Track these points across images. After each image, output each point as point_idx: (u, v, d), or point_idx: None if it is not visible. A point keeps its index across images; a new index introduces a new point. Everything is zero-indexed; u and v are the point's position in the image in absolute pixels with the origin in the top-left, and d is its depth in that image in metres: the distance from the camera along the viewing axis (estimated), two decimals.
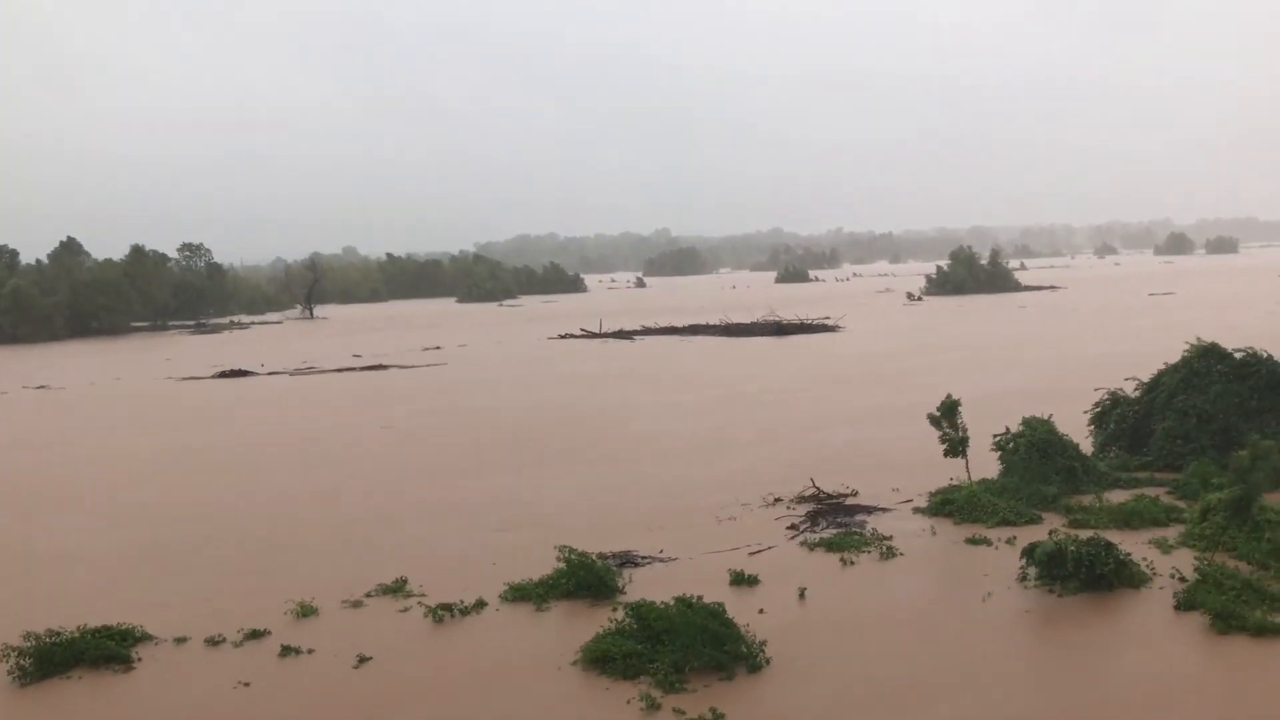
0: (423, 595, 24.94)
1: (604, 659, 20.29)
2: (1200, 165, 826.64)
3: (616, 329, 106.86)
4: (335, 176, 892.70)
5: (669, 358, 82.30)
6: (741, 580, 24.93)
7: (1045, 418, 33.20)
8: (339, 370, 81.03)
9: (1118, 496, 30.52)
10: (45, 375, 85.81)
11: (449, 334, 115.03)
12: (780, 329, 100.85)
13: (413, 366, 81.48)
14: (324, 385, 72.90)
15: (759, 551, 27.47)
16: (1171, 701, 18.15)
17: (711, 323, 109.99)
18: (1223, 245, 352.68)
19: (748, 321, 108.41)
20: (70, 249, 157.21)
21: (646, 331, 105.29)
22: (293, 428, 53.37)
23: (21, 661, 21.08)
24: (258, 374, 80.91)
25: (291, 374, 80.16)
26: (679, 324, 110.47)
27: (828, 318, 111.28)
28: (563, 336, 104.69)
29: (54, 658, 21.32)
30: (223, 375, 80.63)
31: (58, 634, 21.75)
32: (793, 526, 29.87)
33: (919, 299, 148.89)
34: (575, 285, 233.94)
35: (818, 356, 77.81)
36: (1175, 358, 36.66)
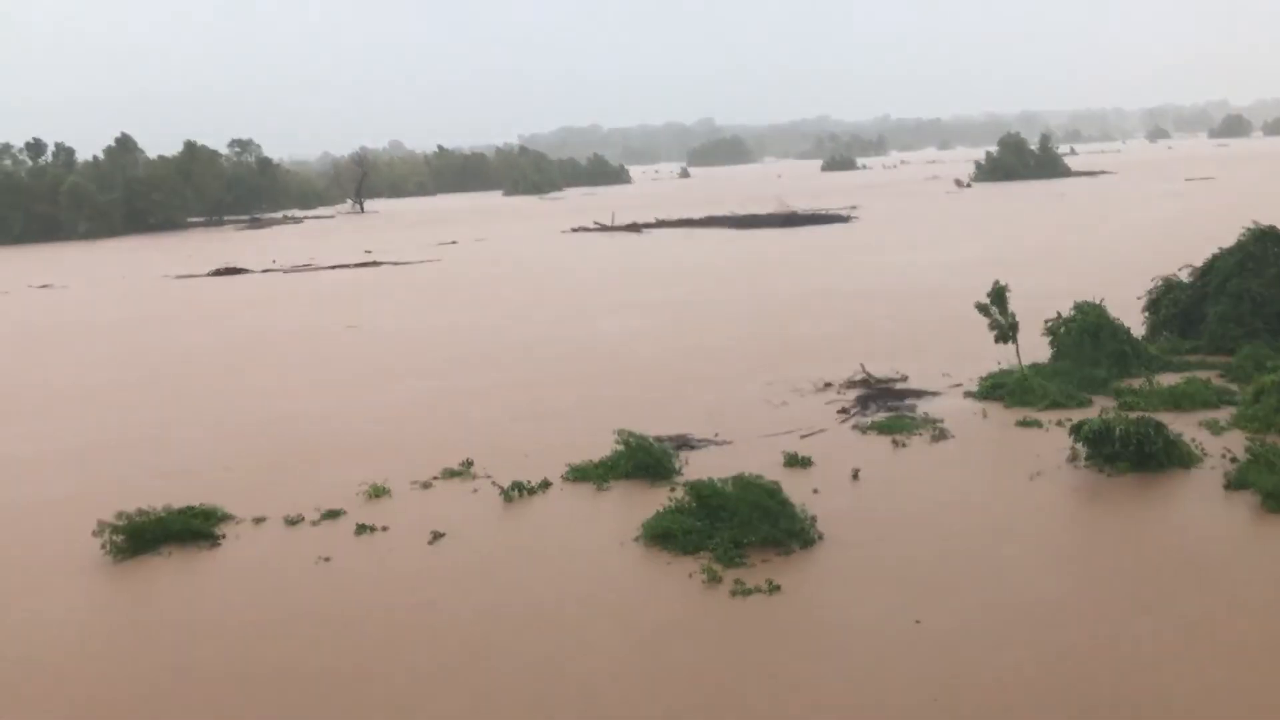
0: (488, 476, 25.93)
1: (664, 535, 21.15)
2: (1257, 42, 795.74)
3: (629, 222, 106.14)
4: (374, 68, 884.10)
5: (663, 252, 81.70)
6: (795, 462, 25.65)
7: (1097, 302, 33.31)
8: (333, 267, 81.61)
9: (1169, 380, 30.71)
10: (69, 272, 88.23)
11: (477, 228, 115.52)
12: (789, 220, 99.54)
13: (408, 263, 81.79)
14: (312, 282, 74.01)
15: (810, 435, 28.14)
16: (1221, 576, 18.65)
17: (721, 214, 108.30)
18: None
19: (762, 214, 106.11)
20: (125, 146, 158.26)
21: (660, 224, 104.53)
22: (273, 324, 54.98)
23: (115, 538, 22.34)
24: (252, 271, 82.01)
25: (286, 271, 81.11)
26: (696, 216, 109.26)
27: (853, 207, 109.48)
28: (575, 230, 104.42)
29: (145, 534, 22.53)
30: (217, 273, 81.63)
31: (146, 513, 22.98)
32: (843, 410, 30.48)
33: (968, 185, 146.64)
34: (620, 177, 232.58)
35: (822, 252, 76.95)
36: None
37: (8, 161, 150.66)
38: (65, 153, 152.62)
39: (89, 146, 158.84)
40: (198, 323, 57.09)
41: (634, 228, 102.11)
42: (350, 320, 53.86)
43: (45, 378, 43.46)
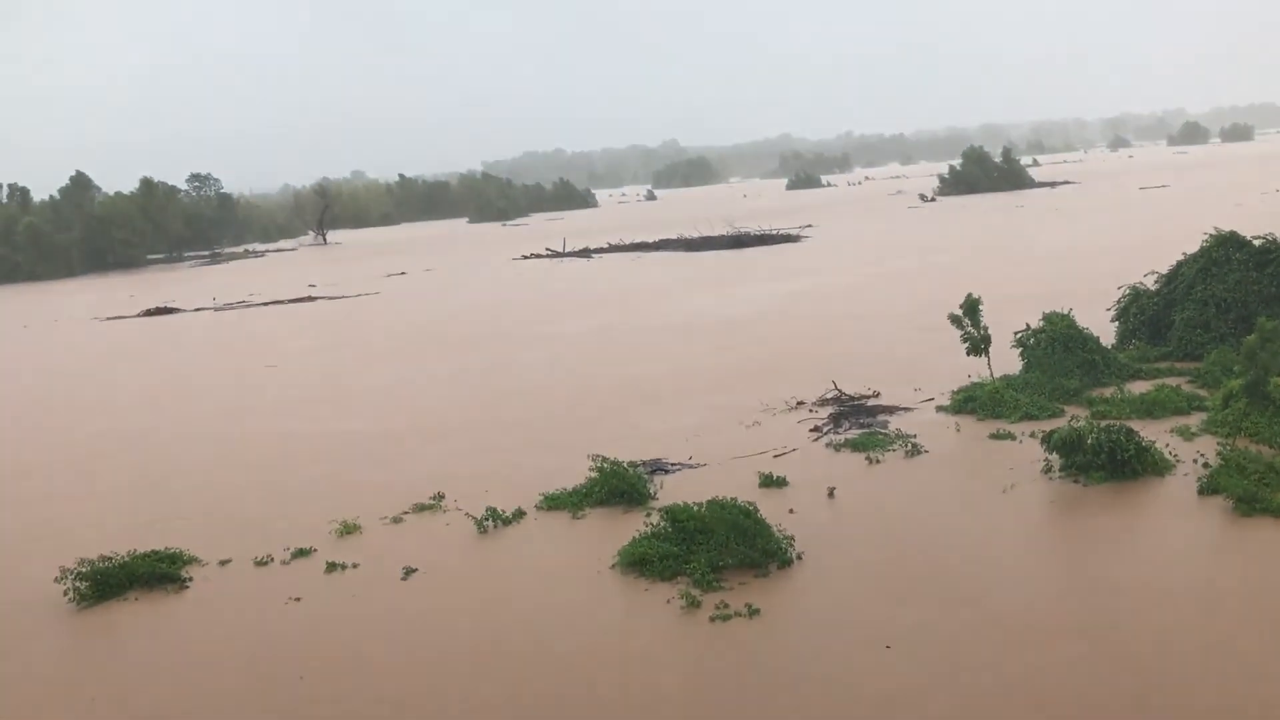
0: (460, 509, 25.54)
1: (641, 561, 20.90)
2: (1212, 52, 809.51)
3: (582, 247, 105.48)
4: (334, 105, 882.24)
5: (607, 279, 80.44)
6: (770, 482, 25.48)
7: (1065, 312, 33.45)
8: (266, 304, 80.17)
9: (1139, 388, 30.82)
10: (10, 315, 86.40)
11: (431, 258, 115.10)
12: (738, 241, 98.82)
13: (344, 297, 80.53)
14: (241, 320, 72.74)
15: (784, 454, 27.98)
16: (1195, 582, 18.66)
17: (673, 237, 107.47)
18: (1238, 133, 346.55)
19: (712, 236, 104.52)
20: (80, 184, 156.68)
21: (613, 249, 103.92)
22: (197, 365, 53.54)
23: (78, 585, 21.81)
24: (184, 311, 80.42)
25: (218, 309, 79.48)
26: (650, 239, 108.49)
27: (808, 226, 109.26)
28: (526, 257, 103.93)
29: (110, 580, 22.04)
30: (148, 313, 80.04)
31: (109, 558, 22.46)
32: (816, 429, 30.34)
33: (932, 200, 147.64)
34: (586, 201, 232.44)
35: (767, 270, 76.65)
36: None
37: None
38: (20, 193, 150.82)
39: (46, 188, 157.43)
40: (110, 367, 55.28)
41: (584, 253, 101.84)
42: (270, 360, 52.38)
43: None
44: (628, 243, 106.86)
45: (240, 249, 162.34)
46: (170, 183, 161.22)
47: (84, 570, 21.93)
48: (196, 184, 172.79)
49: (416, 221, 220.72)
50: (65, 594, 21.73)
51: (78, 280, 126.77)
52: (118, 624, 20.89)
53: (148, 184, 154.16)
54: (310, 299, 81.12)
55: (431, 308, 70.87)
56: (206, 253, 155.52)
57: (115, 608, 21.54)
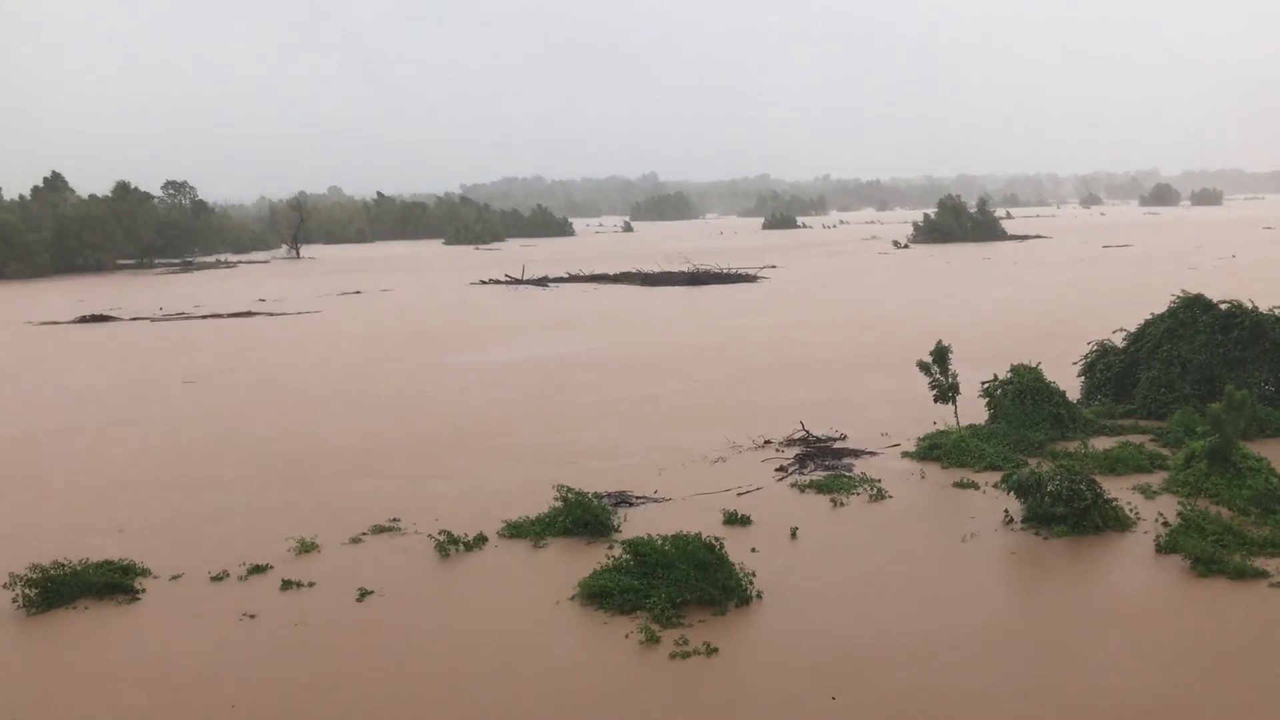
0: (419, 532, 25.34)
1: (601, 594, 20.76)
2: (1185, 117, 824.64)
3: (540, 276, 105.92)
4: (313, 123, 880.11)
5: (553, 307, 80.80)
6: (735, 520, 25.44)
7: (1034, 365, 33.75)
8: (206, 317, 79.33)
9: (1103, 443, 31.09)
10: None
11: (393, 277, 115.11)
12: (695, 279, 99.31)
13: (285, 314, 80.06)
14: (174, 332, 71.73)
15: (747, 492, 27.97)
16: (1147, 638, 18.74)
17: (631, 271, 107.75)
18: (1207, 197, 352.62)
19: (671, 271, 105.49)
20: (54, 185, 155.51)
21: (572, 279, 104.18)
22: (109, 377, 52.28)
23: (28, 591, 21.45)
24: (120, 319, 79.56)
25: (155, 320, 78.69)
26: (611, 271, 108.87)
27: (770, 267, 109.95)
28: (484, 283, 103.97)
29: (60, 588, 21.68)
30: (82, 320, 79.25)
31: (62, 565, 22.10)
32: (781, 469, 30.37)
33: (905, 246, 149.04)
34: (563, 229, 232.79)
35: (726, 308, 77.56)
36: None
37: None
38: None
39: (14, 185, 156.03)
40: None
41: (541, 282, 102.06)
42: (188, 375, 51.23)
43: None
44: (587, 274, 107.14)
45: (213, 259, 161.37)
46: (145, 189, 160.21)
47: (34, 577, 21.56)
48: (172, 191, 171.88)
49: (392, 240, 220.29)
50: (14, 600, 21.36)
51: (45, 281, 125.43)
52: (63, 633, 20.49)
53: (122, 188, 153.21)
54: (250, 314, 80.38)
55: (370, 326, 70.91)
56: (178, 261, 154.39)
57: (64, 616, 21.17)
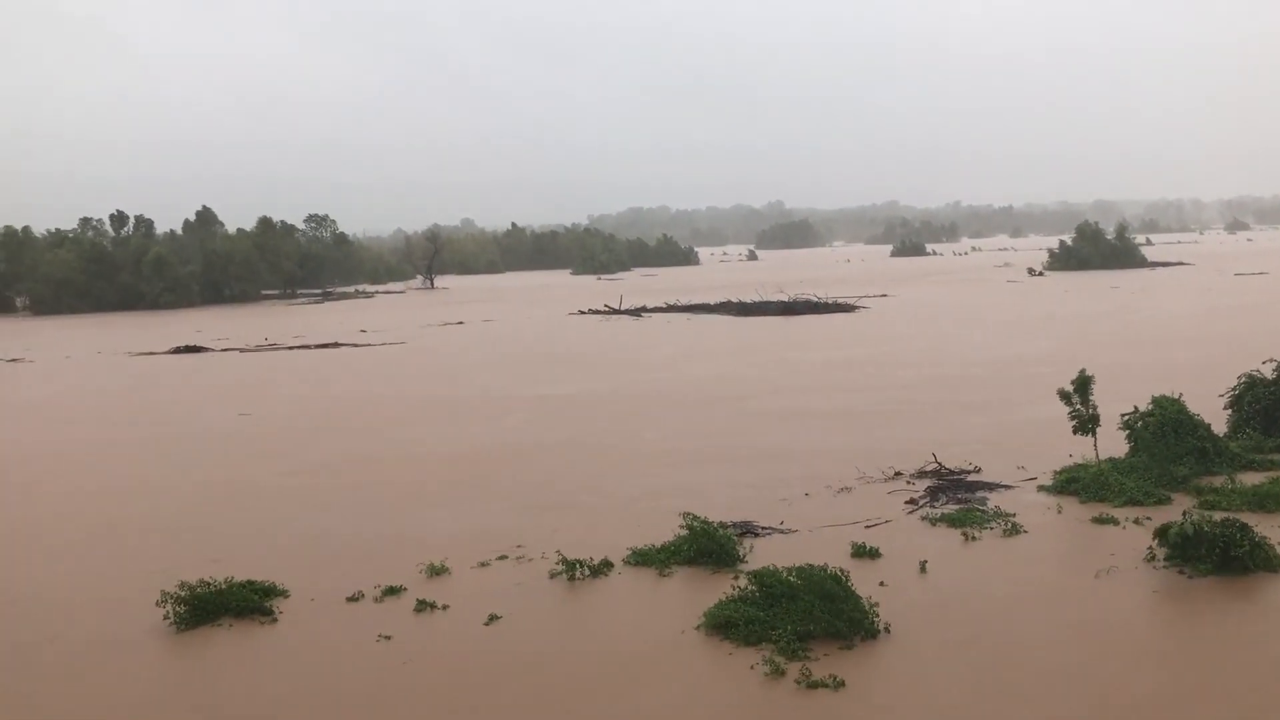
0: (545, 558, 25.67)
1: (726, 625, 20.71)
2: None
3: (639, 306, 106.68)
4: (442, 154, 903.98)
5: (632, 338, 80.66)
6: (863, 553, 25.09)
7: (1175, 397, 32.50)
8: (293, 348, 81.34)
9: (1251, 479, 29.71)
10: (99, 343, 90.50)
11: (509, 307, 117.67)
12: (789, 309, 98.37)
13: (367, 345, 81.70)
14: (260, 362, 73.75)
15: (875, 525, 27.56)
16: None
17: (727, 301, 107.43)
18: None
19: (764, 301, 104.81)
20: (204, 219, 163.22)
21: (670, 309, 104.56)
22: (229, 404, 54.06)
23: (178, 609, 22.48)
24: (212, 350, 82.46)
25: (243, 351, 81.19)
26: (712, 301, 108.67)
27: (881, 295, 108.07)
28: (583, 313, 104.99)
29: (207, 606, 22.67)
30: (176, 351, 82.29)
31: (209, 584, 23.11)
32: (911, 501, 29.86)
33: (1040, 273, 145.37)
34: (688, 258, 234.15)
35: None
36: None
37: (90, 233, 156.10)
38: (145, 225, 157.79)
39: (164, 223, 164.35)
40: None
41: (636, 312, 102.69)
42: (243, 408, 51.96)
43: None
44: (685, 304, 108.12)
45: (351, 289, 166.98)
46: (289, 222, 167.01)
47: (184, 595, 22.60)
48: (314, 224, 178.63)
49: (524, 270, 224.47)
50: (165, 617, 22.39)
51: (192, 310, 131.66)
52: (215, 650, 21.39)
53: (265, 223, 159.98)
54: (337, 345, 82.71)
55: (452, 359, 71.88)
56: (319, 291, 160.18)
57: (211, 633, 22.10)
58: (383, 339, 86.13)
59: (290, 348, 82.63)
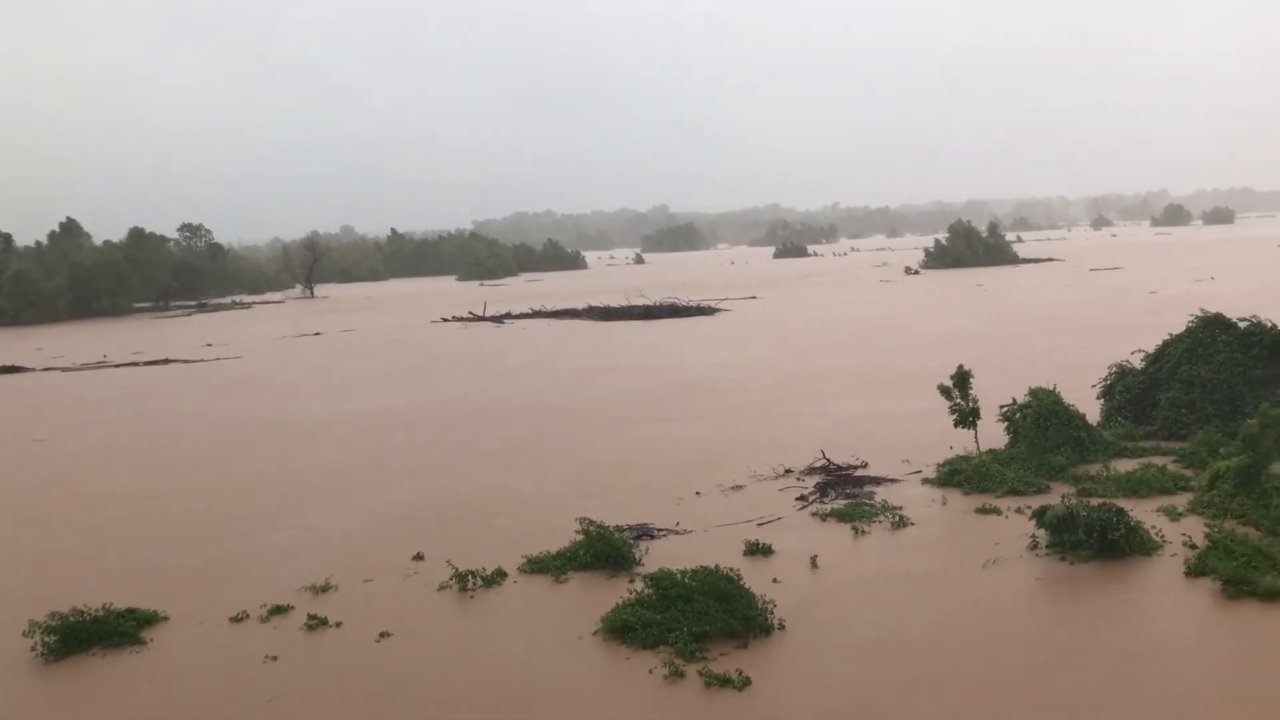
0: (438, 567, 25.16)
1: (624, 629, 20.56)
2: (1196, 137, 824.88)
3: (504, 312, 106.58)
4: (323, 159, 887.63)
5: (518, 345, 79.69)
6: (756, 550, 25.23)
7: (1051, 389, 33.49)
8: (119, 366, 77.76)
9: (1125, 466, 30.78)
10: None
11: (372, 316, 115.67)
12: (649, 313, 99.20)
13: (201, 360, 78.42)
14: (81, 382, 69.74)
15: (768, 522, 27.76)
16: (1181, 664, 18.45)
17: (585, 307, 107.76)
18: (1219, 216, 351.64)
19: (622, 306, 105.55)
20: (70, 231, 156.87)
21: (535, 314, 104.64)
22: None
23: (47, 639, 21.35)
24: (32, 370, 78.25)
25: (65, 370, 76.97)
26: (579, 306, 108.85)
27: (750, 297, 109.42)
28: (444, 320, 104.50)
29: (79, 635, 21.57)
30: None
31: (82, 612, 21.99)
32: (801, 497, 30.16)
33: (916, 272, 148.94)
34: (575, 262, 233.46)
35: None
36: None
37: None
38: (3, 239, 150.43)
39: (32, 232, 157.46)
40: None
41: (499, 319, 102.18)
42: (39, 434, 48.93)
43: None
44: (550, 309, 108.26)
45: (228, 300, 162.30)
46: (161, 232, 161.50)
47: (54, 624, 21.49)
48: (187, 234, 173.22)
49: (407, 277, 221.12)
50: (33, 648, 21.28)
51: (59, 326, 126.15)
52: (85, 681, 20.36)
53: (137, 233, 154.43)
54: (167, 361, 78.98)
55: (277, 374, 69.53)
56: (193, 303, 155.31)
57: (82, 662, 21.05)
58: (222, 354, 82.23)
59: (116, 365, 78.51)
